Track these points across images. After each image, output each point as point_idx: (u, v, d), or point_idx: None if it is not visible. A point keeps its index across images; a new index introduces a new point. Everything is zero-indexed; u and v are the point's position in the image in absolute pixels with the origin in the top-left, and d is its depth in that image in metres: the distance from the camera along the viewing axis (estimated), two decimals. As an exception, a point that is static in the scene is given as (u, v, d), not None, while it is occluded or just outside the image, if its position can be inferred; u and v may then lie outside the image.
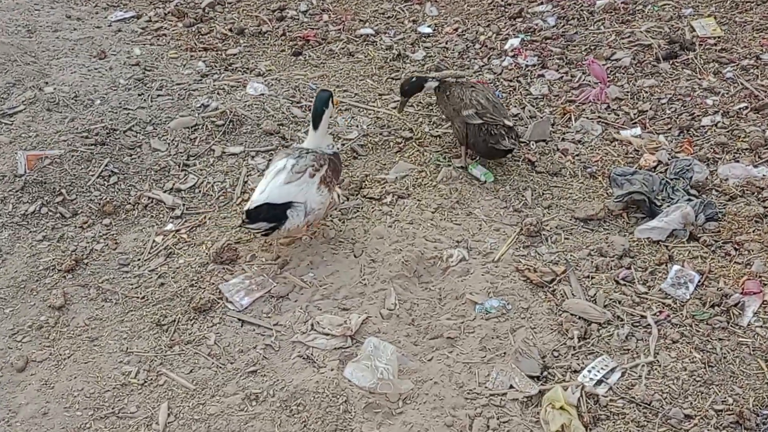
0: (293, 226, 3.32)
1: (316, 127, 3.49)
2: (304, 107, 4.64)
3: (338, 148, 3.68)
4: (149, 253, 3.65)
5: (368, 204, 3.89)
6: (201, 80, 4.88)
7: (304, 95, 4.77)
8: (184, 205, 3.93)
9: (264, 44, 5.48)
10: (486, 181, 3.98)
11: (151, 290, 3.44)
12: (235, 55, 5.31)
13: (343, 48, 5.42)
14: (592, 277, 3.36)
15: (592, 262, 3.43)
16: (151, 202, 3.94)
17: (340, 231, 3.71)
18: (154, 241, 3.72)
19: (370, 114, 4.64)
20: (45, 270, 3.56)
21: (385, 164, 4.20)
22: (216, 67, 5.10)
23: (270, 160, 3.97)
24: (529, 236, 3.62)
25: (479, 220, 3.76)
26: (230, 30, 5.59)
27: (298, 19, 5.80)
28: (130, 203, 3.93)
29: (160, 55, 5.22)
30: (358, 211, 3.85)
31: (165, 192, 3.99)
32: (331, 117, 3.68)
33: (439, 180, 4.04)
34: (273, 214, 3.23)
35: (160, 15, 5.82)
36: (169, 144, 4.27)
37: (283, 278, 3.45)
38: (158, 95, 4.65)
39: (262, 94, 4.68)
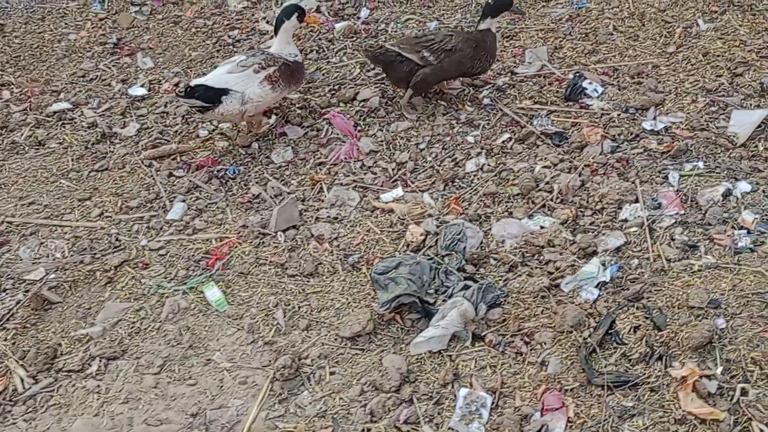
0: (227, 112, 3.76)
1: (275, 33, 3.96)
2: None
3: (301, 58, 4.10)
4: None
5: (67, 381, 2.85)
6: None
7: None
8: None
9: None
10: (219, 309, 3.10)
11: None
12: None
13: (30, 136, 4.22)
14: (368, 431, 2.62)
15: (365, 405, 2.69)
16: None
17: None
18: None
19: (66, 233, 3.54)
20: None
21: (90, 309, 3.16)
22: None
23: None
24: (285, 382, 2.81)
25: (220, 370, 2.88)
26: None
27: (-32, 102, 4.47)
28: None
29: None
30: (51, 397, 2.79)
31: None
32: (297, 29, 4.18)
33: (163, 318, 3.09)
34: (207, 95, 3.68)
35: None
36: None
37: None
38: None
39: None
